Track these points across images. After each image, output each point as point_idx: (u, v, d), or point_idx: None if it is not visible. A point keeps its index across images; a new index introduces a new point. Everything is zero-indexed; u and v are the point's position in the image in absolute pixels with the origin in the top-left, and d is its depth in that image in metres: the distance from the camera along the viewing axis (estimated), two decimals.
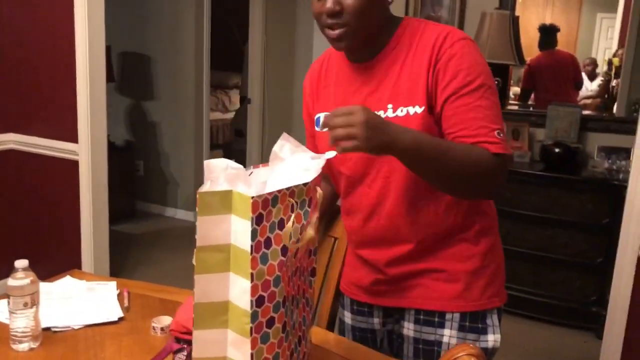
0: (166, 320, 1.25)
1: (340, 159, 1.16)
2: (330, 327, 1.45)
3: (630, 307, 2.02)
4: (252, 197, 0.85)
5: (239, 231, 0.87)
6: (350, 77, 1.23)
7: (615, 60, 3.79)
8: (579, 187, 3.06)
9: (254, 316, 0.87)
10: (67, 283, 1.45)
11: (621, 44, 3.65)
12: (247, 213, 0.86)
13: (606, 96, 3.86)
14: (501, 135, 1.10)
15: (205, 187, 0.93)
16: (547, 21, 3.77)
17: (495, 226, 1.27)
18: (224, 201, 0.88)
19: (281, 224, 0.91)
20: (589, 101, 3.80)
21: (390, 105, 1.15)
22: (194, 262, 0.91)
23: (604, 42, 3.86)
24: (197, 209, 0.89)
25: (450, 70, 1.10)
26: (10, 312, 1.15)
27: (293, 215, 0.92)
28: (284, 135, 1.03)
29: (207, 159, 0.98)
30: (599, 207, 2.98)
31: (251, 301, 0.87)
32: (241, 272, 0.88)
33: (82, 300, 1.36)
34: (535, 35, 3.78)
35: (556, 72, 3.86)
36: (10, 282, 1.14)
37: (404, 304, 1.25)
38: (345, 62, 1.24)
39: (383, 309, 1.31)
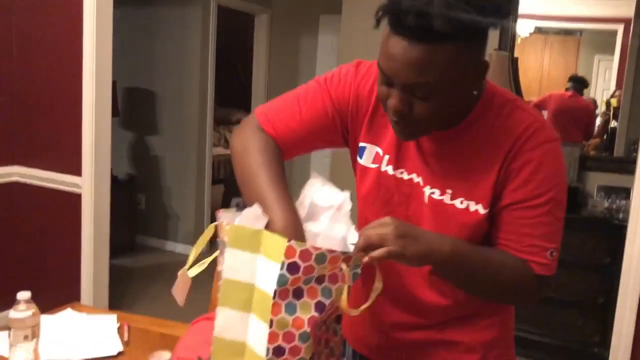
0: (165, 356, 1.25)
1: (367, 202, 1.08)
2: None
3: (633, 348, 2.00)
4: (289, 242, 0.82)
5: (265, 273, 0.84)
6: None
7: (614, 101, 3.84)
8: (578, 226, 3.06)
9: None
10: (67, 316, 1.45)
11: (619, 85, 3.71)
12: (279, 256, 0.82)
13: (605, 136, 3.90)
14: (554, 254, 0.99)
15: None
16: (546, 63, 3.84)
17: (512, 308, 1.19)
18: (254, 240, 0.85)
19: (320, 279, 0.86)
20: (588, 141, 3.84)
21: (449, 191, 1.01)
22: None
23: (602, 83, 3.92)
24: (225, 239, 0.86)
25: (523, 176, 0.96)
26: (10, 345, 1.14)
27: (347, 278, 0.86)
28: (314, 174, 0.98)
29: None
30: (599, 246, 2.97)
31: (268, 348, 0.83)
32: (261, 316, 0.84)
33: (82, 333, 1.36)
34: (534, 76, 3.85)
35: (568, 114, 3.89)
36: (12, 314, 1.14)
37: None
38: None
39: None
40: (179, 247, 4.72)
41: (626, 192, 3.17)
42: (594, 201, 3.27)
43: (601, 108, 3.90)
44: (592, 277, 3.00)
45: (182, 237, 4.73)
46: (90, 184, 2.81)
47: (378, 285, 0.92)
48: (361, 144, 1.10)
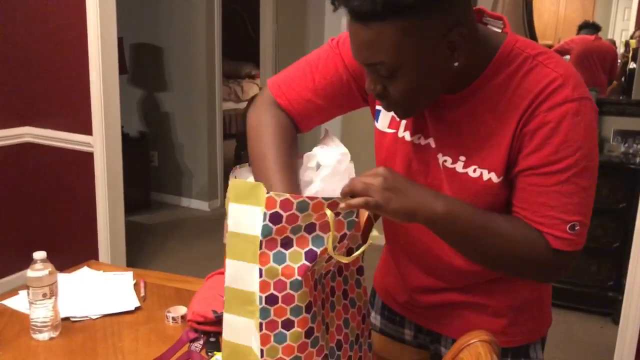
0: (181, 310, 1.27)
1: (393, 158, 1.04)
2: None
3: None
4: (268, 194, 0.84)
5: (257, 225, 0.86)
6: None
7: (632, 42, 3.72)
8: None
9: (263, 312, 0.85)
10: (84, 274, 1.47)
11: (638, 25, 3.59)
12: (262, 208, 0.85)
13: (623, 79, 3.80)
14: (577, 228, 0.90)
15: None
16: (562, 5, 3.71)
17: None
18: (253, 193, 0.87)
19: (310, 228, 0.87)
20: (611, 85, 3.75)
21: (462, 158, 0.95)
22: (225, 241, 0.92)
23: (621, 23, 3.80)
24: (228, 195, 0.89)
25: (537, 140, 0.88)
26: (30, 303, 1.17)
27: (332, 225, 0.86)
28: (326, 132, 0.98)
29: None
30: (614, 191, 2.94)
31: (260, 297, 0.85)
32: (256, 264, 0.87)
33: (99, 290, 1.38)
34: (550, 19, 3.73)
35: (594, 57, 3.79)
36: (30, 273, 1.16)
37: (441, 331, 1.14)
38: None
39: (416, 325, 1.20)
40: (193, 203, 4.76)
41: None
42: (610, 146, 3.22)
43: (619, 50, 3.79)
44: (607, 222, 2.99)
45: (196, 193, 4.77)
46: (101, 142, 2.81)
47: (374, 234, 0.92)
48: (377, 107, 1.06)
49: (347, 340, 0.99)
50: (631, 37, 3.71)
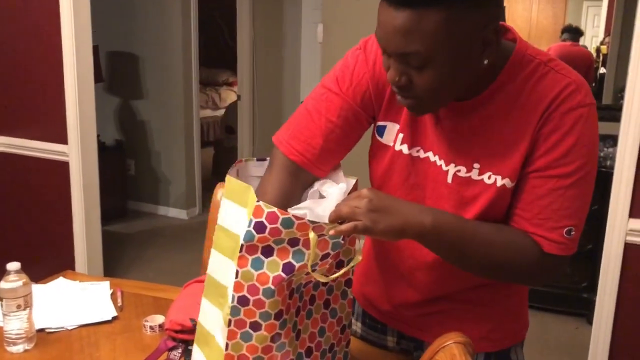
0: (158, 319, 1.27)
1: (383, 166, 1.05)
2: None
3: (619, 292, 2.05)
4: (257, 202, 0.85)
5: (242, 226, 0.88)
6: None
7: (603, 48, 3.81)
8: None
9: (234, 310, 0.88)
10: (60, 284, 1.45)
11: (607, 32, 3.68)
12: (250, 214, 0.86)
13: (594, 84, 3.89)
14: (572, 233, 0.91)
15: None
16: (534, 12, 3.79)
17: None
18: (243, 195, 0.89)
19: (294, 242, 0.88)
20: None
21: (476, 165, 0.94)
22: (213, 238, 0.96)
23: (591, 30, 3.89)
24: (224, 190, 0.94)
25: (550, 142, 0.89)
26: (4, 315, 1.16)
27: (313, 244, 0.86)
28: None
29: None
30: None
31: (233, 295, 0.88)
32: (234, 262, 0.89)
33: (75, 300, 1.37)
34: (523, 25, 3.80)
35: (569, 63, 3.88)
36: (3, 284, 1.15)
37: (424, 338, 1.13)
38: None
39: (399, 332, 1.20)
40: (171, 212, 4.73)
41: (614, 140, 3.18)
42: None
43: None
44: None
45: (173, 202, 4.74)
46: (77, 151, 2.78)
47: (357, 257, 0.93)
48: (380, 123, 1.04)
49: (319, 348, 1.01)
50: (601, 44, 3.81)
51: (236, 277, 0.87)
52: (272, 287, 0.88)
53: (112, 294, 1.41)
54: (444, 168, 0.97)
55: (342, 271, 0.93)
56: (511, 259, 0.93)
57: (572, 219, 0.91)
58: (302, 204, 0.95)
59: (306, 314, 0.98)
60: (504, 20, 0.88)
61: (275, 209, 0.85)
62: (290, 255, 0.88)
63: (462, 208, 0.97)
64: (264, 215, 0.85)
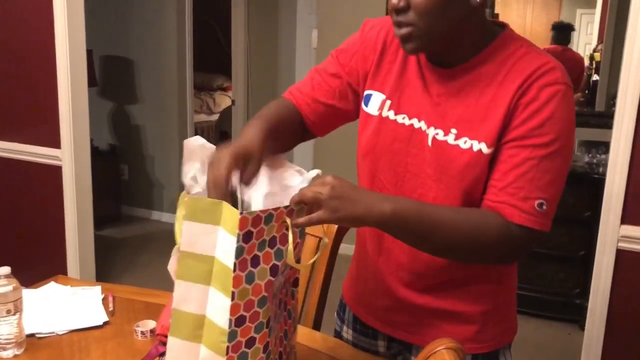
0: (150, 324, 1.26)
1: (366, 153, 1.10)
2: (316, 327, 1.46)
3: (610, 299, 2.05)
4: (241, 213, 0.82)
5: (224, 246, 0.84)
6: (422, 72, 1.04)
7: (597, 55, 3.83)
8: None
9: (231, 335, 0.85)
10: (51, 289, 1.45)
11: (601, 39, 3.70)
12: (234, 229, 0.82)
13: (587, 91, 3.91)
14: (543, 207, 0.94)
15: (187, 176, 0.92)
16: (528, 19, 3.81)
17: (515, 265, 1.16)
18: (213, 211, 0.84)
19: (272, 242, 0.87)
20: (577, 93, 3.85)
21: (454, 130, 0.99)
22: (168, 268, 0.90)
23: (584, 37, 3.91)
24: (184, 212, 0.86)
25: (527, 112, 0.94)
26: None
27: (290, 234, 0.87)
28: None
29: None
30: (579, 200, 3.02)
31: (230, 320, 0.84)
32: (222, 288, 0.85)
33: (66, 305, 1.36)
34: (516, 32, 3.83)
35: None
36: None
37: (413, 341, 1.16)
38: (423, 56, 1.05)
39: (389, 336, 1.21)
40: (164, 217, 4.72)
41: (606, 147, 3.20)
42: (575, 156, 3.31)
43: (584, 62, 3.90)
44: (573, 231, 3.06)
45: (167, 206, 4.72)
46: (70, 156, 2.77)
47: (324, 240, 0.94)
48: (367, 92, 1.11)
49: (286, 352, 1.01)
50: (594, 51, 3.83)
51: (232, 299, 0.83)
52: (265, 294, 0.87)
53: (103, 299, 1.40)
54: (424, 130, 1.02)
55: (316, 256, 0.97)
56: (476, 237, 0.95)
57: (544, 192, 0.94)
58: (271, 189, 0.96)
59: (278, 318, 0.98)
60: None
61: (257, 211, 0.83)
62: (273, 257, 0.88)
63: (443, 173, 1.00)
64: (250, 223, 0.83)
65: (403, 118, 1.05)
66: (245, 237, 0.83)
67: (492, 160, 0.98)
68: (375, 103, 1.09)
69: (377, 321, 1.21)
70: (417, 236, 0.96)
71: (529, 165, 0.94)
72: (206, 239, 0.85)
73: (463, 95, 0.99)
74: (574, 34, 3.86)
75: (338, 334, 1.32)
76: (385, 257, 1.13)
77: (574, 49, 3.93)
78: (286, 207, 0.87)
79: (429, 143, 1.01)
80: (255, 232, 0.84)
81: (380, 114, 1.08)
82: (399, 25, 0.96)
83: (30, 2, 2.74)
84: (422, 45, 0.97)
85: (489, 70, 0.98)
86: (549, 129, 0.93)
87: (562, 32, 3.76)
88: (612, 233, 2.01)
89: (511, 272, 1.15)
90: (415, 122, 1.04)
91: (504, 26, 1.04)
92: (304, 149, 4.86)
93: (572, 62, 3.81)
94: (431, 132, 1.01)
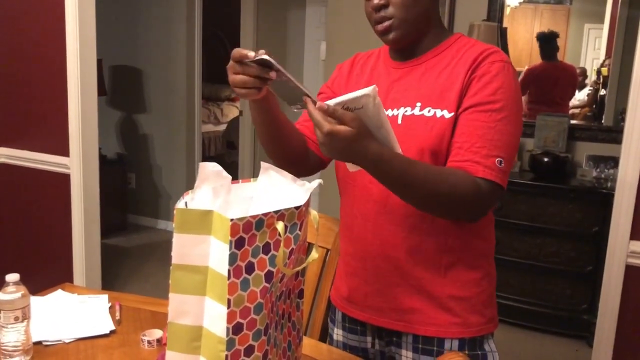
0: (156, 333, 1.26)
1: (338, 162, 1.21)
2: (322, 339, 1.45)
3: (620, 315, 2.04)
4: (232, 220, 0.82)
5: (217, 254, 0.84)
6: (388, 71, 1.24)
7: (604, 70, 3.83)
8: (567, 195, 3.09)
9: (229, 344, 0.84)
10: (58, 297, 1.45)
11: (608, 54, 3.70)
12: (226, 236, 0.82)
13: (594, 106, 3.90)
14: (502, 164, 1.08)
15: (191, 196, 0.92)
16: (536, 33, 3.81)
17: (493, 251, 1.25)
18: (204, 221, 0.85)
19: (266, 248, 0.87)
20: (577, 110, 3.84)
21: (418, 104, 1.15)
22: (170, 281, 0.89)
23: (592, 52, 3.91)
24: (173, 225, 0.87)
25: (481, 83, 1.11)
26: (1, 327, 1.15)
27: (282, 240, 0.88)
28: (264, 164, 1.02)
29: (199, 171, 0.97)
30: (587, 215, 3.00)
31: (227, 328, 0.84)
32: (217, 297, 0.84)
33: (73, 313, 1.36)
34: (524, 46, 3.83)
35: (557, 84, 3.89)
36: (1, 296, 1.14)
37: (400, 328, 1.22)
38: (387, 58, 1.26)
39: (377, 329, 1.27)
40: (170, 226, 4.72)
41: (614, 161, 3.19)
42: (583, 170, 3.29)
43: (591, 77, 3.90)
44: (581, 246, 3.04)
45: (173, 216, 4.73)
46: (78, 164, 2.79)
47: (314, 254, 0.96)
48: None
49: None
50: (602, 66, 3.83)
51: (228, 306, 0.83)
52: (261, 301, 0.87)
53: (110, 308, 1.40)
54: (395, 113, 1.17)
55: (304, 263, 0.97)
56: (448, 187, 1.06)
57: (502, 151, 1.09)
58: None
59: (281, 328, 0.98)
60: None
61: (247, 217, 0.83)
62: (268, 263, 0.87)
63: (413, 141, 1.13)
64: (241, 229, 0.83)
65: None
66: (238, 243, 0.83)
67: (454, 127, 1.12)
68: None
69: (362, 311, 1.26)
70: (396, 183, 1.05)
71: (487, 128, 1.09)
72: (198, 249, 0.85)
73: (425, 77, 1.17)
74: (583, 48, 3.87)
75: (331, 339, 1.37)
76: (371, 241, 1.21)
77: (582, 63, 3.94)
78: (276, 211, 0.87)
79: (399, 121, 1.16)
80: (248, 238, 0.84)
81: None
82: (379, 21, 1.16)
83: (42, 12, 2.77)
84: (401, 33, 1.16)
85: (445, 56, 1.18)
86: (500, 96, 1.10)
87: (548, 42, 3.77)
88: (621, 249, 2.00)
89: (491, 261, 1.25)
90: (389, 111, 1.18)
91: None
92: None
93: (566, 72, 3.82)
94: (401, 111, 1.17)
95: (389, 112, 1.18)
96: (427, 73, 1.18)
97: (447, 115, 1.12)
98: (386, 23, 1.15)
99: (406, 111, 1.16)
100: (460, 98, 1.12)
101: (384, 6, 1.15)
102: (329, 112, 0.94)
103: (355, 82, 1.29)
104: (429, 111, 1.13)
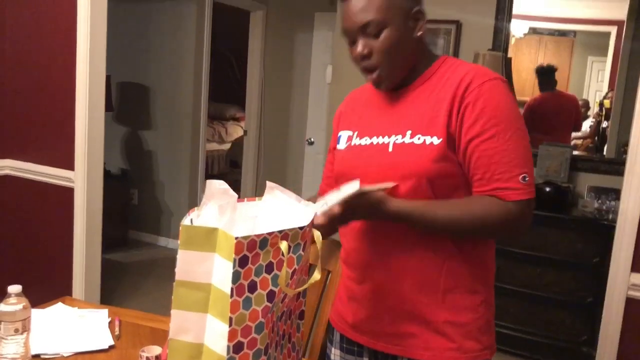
0: (155, 350, 1.26)
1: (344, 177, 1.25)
2: None
3: (620, 348, 2.02)
4: (237, 238, 0.82)
5: (220, 272, 0.84)
6: (380, 101, 1.26)
7: (607, 103, 3.86)
8: (569, 226, 3.09)
9: None
10: (58, 310, 1.45)
11: (611, 86, 3.73)
12: (230, 254, 0.83)
13: (596, 138, 3.92)
14: (526, 179, 1.10)
15: (197, 213, 0.93)
16: (540, 63, 3.85)
17: (492, 277, 1.26)
18: (209, 238, 0.85)
19: (269, 268, 0.88)
20: (579, 142, 3.87)
21: (409, 132, 1.17)
22: (172, 297, 0.90)
23: (595, 84, 3.95)
24: (179, 241, 0.87)
25: (477, 110, 1.11)
26: (1, 338, 1.15)
27: (285, 260, 0.89)
28: (269, 184, 1.04)
29: (202, 189, 0.98)
30: (588, 246, 3.00)
31: (228, 347, 0.84)
32: (219, 315, 0.85)
33: (73, 327, 1.37)
34: (528, 76, 3.87)
35: (558, 113, 3.92)
36: (2, 307, 1.14)
37: (396, 352, 1.22)
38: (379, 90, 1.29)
39: (374, 352, 1.27)
40: (171, 243, 4.72)
41: (616, 193, 3.20)
42: (584, 201, 3.30)
43: (594, 109, 3.92)
44: (581, 277, 3.03)
45: (174, 233, 4.73)
46: (83, 178, 2.80)
47: (316, 275, 0.97)
48: (339, 134, 1.33)
49: None
50: (604, 98, 3.86)
51: (230, 324, 0.84)
52: (263, 320, 0.87)
53: (110, 323, 1.40)
54: (386, 142, 1.19)
55: (306, 284, 0.97)
56: (477, 220, 1.11)
57: (522, 167, 1.11)
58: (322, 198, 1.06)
59: (280, 348, 0.97)
60: (423, 11, 1.19)
61: (252, 235, 0.84)
62: (270, 283, 0.88)
63: (405, 168, 1.15)
64: (245, 247, 0.84)
65: (366, 140, 1.24)
66: (242, 261, 0.84)
67: (464, 159, 1.13)
68: (344, 139, 1.30)
69: (361, 335, 1.27)
70: (429, 229, 1.13)
71: (502, 151, 1.10)
72: (202, 266, 0.86)
73: (414, 105, 1.19)
74: (586, 80, 3.90)
75: (327, 358, 1.38)
76: (371, 265, 1.22)
77: (585, 95, 3.97)
78: (280, 231, 0.88)
79: (390, 149, 1.18)
80: (251, 257, 0.85)
81: (348, 145, 1.27)
82: (367, 71, 1.19)
83: (54, 27, 2.81)
84: (391, 81, 1.20)
85: (432, 82, 1.19)
86: (500, 116, 1.10)
87: (547, 74, 3.81)
88: (622, 281, 2.00)
89: (490, 287, 1.25)
90: (375, 139, 1.22)
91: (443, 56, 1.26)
92: (314, 172, 4.87)
93: (567, 103, 3.85)
94: (392, 139, 1.19)
95: (381, 140, 1.21)
96: (416, 100, 1.19)
97: (436, 141, 1.13)
98: (374, 75, 1.18)
99: (397, 139, 1.18)
100: (449, 124, 1.13)
101: (367, 56, 1.16)
102: (333, 216, 1.05)
103: (352, 115, 1.33)
104: (418, 138, 1.15)
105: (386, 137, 1.20)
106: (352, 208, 1.08)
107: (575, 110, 3.83)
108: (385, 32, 1.14)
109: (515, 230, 1.15)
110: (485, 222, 1.11)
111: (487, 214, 1.11)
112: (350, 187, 1.06)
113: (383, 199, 1.10)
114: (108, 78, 3.16)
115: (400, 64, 1.18)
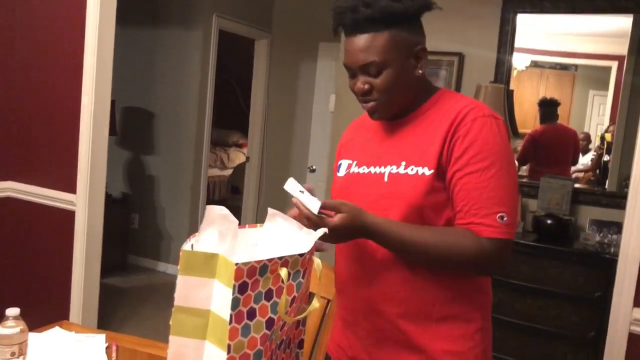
0: None
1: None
2: None
3: None
4: (237, 264, 0.82)
5: (220, 298, 0.84)
6: (379, 131, 1.29)
7: (608, 136, 3.88)
8: (570, 259, 3.07)
9: None
10: (55, 334, 1.44)
11: (612, 120, 3.75)
12: (230, 280, 0.83)
13: (598, 171, 3.93)
14: (504, 219, 1.10)
15: (197, 238, 0.93)
16: (541, 96, 3.88)
17: (489, 305, 1.26)
18: (209, 264, 0.85)
19: (269, 295, 0.88)
20: (581, 175, 3.87)
21: (403, 163, 1.19)
22: (171, 323, 0.90)
23: (596, 118, 3.97)
24: (178, 267, 0.87)
25: (465, 144, 1.13)
26: None
27: (285, 287, 0.88)
28: (270, 210, 1.04)
29: (202, 215, 0.98)
30: (590, 280, 2.98)
31: None
32: (218, 342, 0.84)
33: (69, 352, 1.35)
34: (529, 109, 3.89)
35: (558, 146, 3.94)
36: (0, 330, 1.14)
37: None
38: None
39: None
40: (170, 269, 4.70)
41: (618, 227, 3.19)
42: (586, 234, 3.29)
43: (595, 142, 3.94)
44: (583, 311, 3.00)
45: (174, 259, 4.71)
46: (84, 202, 2.81)
47: (315, 304, 0.97)
48: (339, 162, 1.36)
49: None
50: (606, 131, 3.88)
51: (228, 352, 0.83)
52: (261, 348, 0.86)
53: (107, 348, 1.39)
54: (382, 171, 1.22)
55: (305, 312, 0.97)
56: (449, 250, 1.11)
57: (501, 206, 1.11)
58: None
59: None
60: (427, 51, 1.21)
61: (252, 262, 0.84)
62: (269, 310, 0.88)
63: (398, 197, 1.17)
64: (245, 274, 0.84)
65: (364, 169, 1.27)
66: (241, 288, 0.84)
67: (441, 178, 1.16)
68: (344, 168, 1.33)
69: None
70: (400, 249, 1.14)
71: (482, 188, 1.11)
72: (201, 292, 0.86)
73: (410, 136, 1.22)
74: (587, 113, 3.93)
75: None
76: (364, 295, 1.22)
77: (586, 128, 3.99)
78: (280, 258, 0.88)
79: (385, 178, 1.21)
80: (251, 283, 0.84)
81: (347, 173, 1.30)
82: (365, 102, 1.21)
83: (62, 50, 2.85)
84: (385, 113, 1.23)
85: (430, 114, 1.21)
86: (486, 153, 1.12)
87: (549, 107, 3.84)
88: (624, 316, 1.98)
89: (487, 316, 1.25)
90: (372, 169, 1.25)
91: (447, 90, 1.29)
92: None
93: (567, 136, 3.86)
94: (387, 169, 1.21)
95: (378, 170, 1.23)
96: (412, 131, 1.22)
97: (427, 172, 1.15)
98: (370, 104, 1.21)
99: (392, 169, 1.20)
100: (440, 155, 1.15)
101: (368, 92, 1.19)
102: (316, 220, 1.04)
103: (352, 144, 1.37)
104: (412, 169, 1.17)
105: (382, 167, 1.23)
106: (338, 215, 1.09)
107: (574, 144, 3.85)
108: (385, 72, 1.16)
109: (486, 269, 1.15)
110: (454, 251, 1.11)
111: (458, 244, 1.11)
112: (312, 201, 1.07)
113: (360, 209, 1.12)
114: (113, 103, 3.19)
115: (399, 99, 1.21)
